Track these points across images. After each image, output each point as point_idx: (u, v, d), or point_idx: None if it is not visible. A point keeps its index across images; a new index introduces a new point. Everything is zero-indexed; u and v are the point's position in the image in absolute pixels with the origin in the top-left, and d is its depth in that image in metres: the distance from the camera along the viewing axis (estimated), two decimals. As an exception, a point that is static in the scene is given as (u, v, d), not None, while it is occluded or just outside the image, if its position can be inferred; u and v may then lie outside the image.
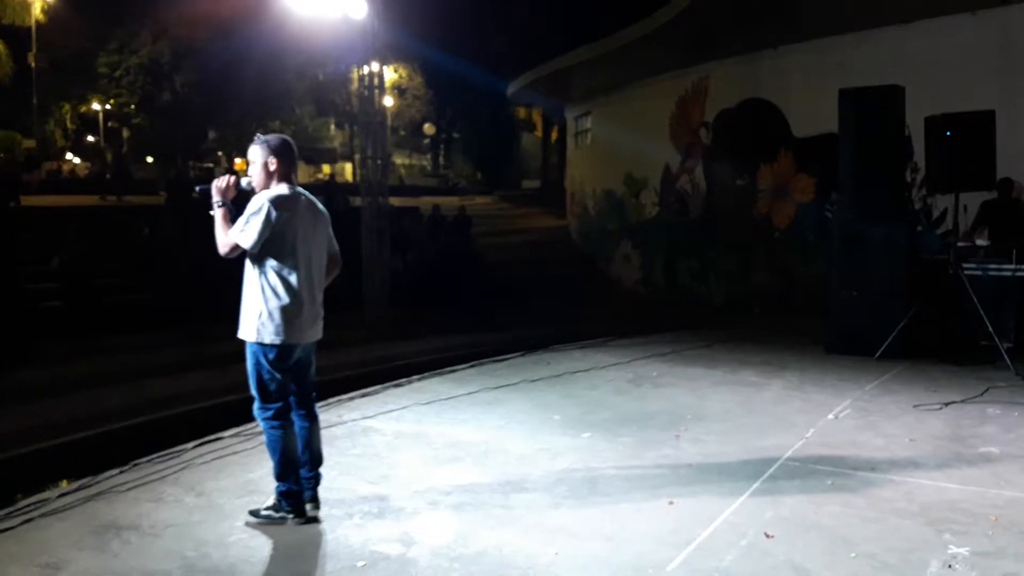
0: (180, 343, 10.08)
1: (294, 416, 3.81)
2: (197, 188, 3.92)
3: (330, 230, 3.93)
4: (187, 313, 11.10)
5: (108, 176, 27.33)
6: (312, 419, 3.91)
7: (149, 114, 38.42)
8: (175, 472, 4.43)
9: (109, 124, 42.44)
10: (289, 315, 3.65)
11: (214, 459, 4.67)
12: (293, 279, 3.67)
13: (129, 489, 4.15)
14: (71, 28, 35.56)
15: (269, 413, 3.70)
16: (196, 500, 4.03)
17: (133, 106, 38.88)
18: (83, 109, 41.90)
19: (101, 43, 37.24)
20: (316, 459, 3.87)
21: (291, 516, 3.70)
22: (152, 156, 41.71)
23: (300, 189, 3.80)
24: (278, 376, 3.69)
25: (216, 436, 5.07)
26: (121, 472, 4.41)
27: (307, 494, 3.79)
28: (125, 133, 41.96)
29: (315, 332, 3.82)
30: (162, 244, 13.78)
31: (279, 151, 3.73)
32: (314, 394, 3.95)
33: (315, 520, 3.75)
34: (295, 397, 3.83)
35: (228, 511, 3.87)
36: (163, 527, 3.67)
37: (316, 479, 3.85)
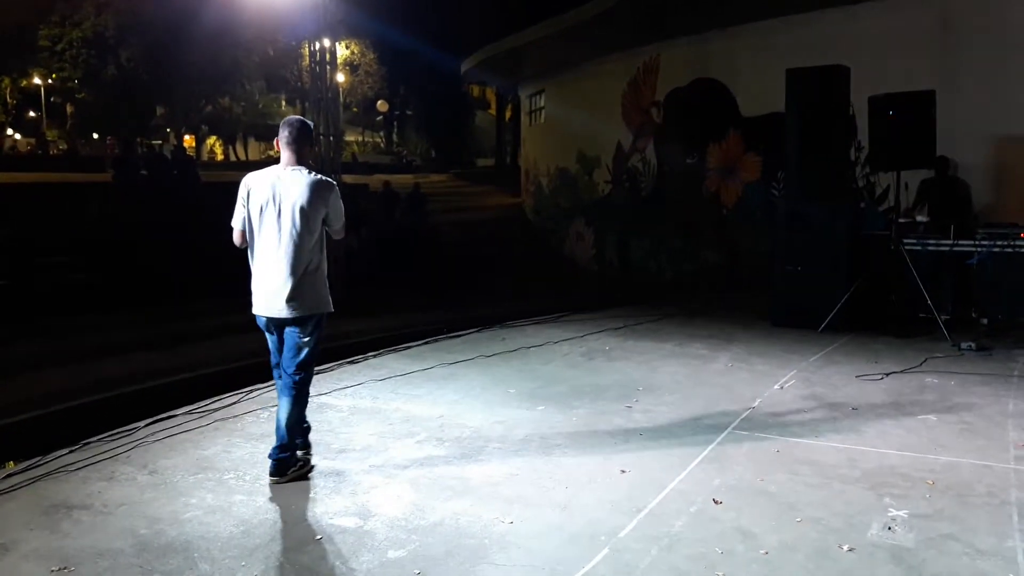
0: (129, 323, 9.91)
1: (283, 388, 4.07)
2: None
3: (308, 204, 3.85)
4: (136, 293, 10.91)
5: None
6: (283, 394, 4.02)
7: (94, 89, 37.21)
8: (127, 451, 4.38)
9: (52, 99, 41.15)
10: (253, 286, 3.95)
11: (166, 437, 4.64)
12: (254, 253, 3.94)
13: (79, 469, 4.10)
14: (9, 0, 34.22)
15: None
16: (149, 478, 4.00)
17: (76, 81, 37.62)
18: (24, 83, 40.54)
19: (42, 16, 35.92)
20: (281, 433, 3.95)
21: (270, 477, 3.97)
22: (98, 132, 40.55)
23: (280, 166, 3.94)
24: (268, 340, 4.09)
25: (168, 414, 5.03)
26: (71, 452, 4.35)
27: (273, 468, 3.93)
28: (68, 108, 40.72)
29: (279, 308, 3.86)
30: (110, 223, 13.47)
31: (279, 132, 3.97)
32: (291, 374, 3.98)
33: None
34: (283, 363, 4.06)
35: (182, 488, 3.86)
36: (115, 506, 3.64)
37: (282, 453, 3.94)
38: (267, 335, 4.06)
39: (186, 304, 10.57)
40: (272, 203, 3.83)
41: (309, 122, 4.10)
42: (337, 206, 3.97)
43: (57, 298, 10.87)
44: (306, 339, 3.95)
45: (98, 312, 10.49)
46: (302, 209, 3.83)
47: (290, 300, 3.84)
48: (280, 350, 4.03)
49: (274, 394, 5.37)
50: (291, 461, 3.97)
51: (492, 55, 20.47)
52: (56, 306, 10.58)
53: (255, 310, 3.96)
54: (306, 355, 3.98)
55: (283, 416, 3.96)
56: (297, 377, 3.97)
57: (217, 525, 3.45)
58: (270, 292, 3.86)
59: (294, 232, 3.83)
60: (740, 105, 12.43)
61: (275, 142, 4.01)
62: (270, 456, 3.94)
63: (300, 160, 3.93)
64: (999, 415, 5.02)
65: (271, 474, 3.91)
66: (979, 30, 9.44)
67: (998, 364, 6.47)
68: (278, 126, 4.04)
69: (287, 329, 3.96)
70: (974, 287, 7.91)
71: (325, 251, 4.02)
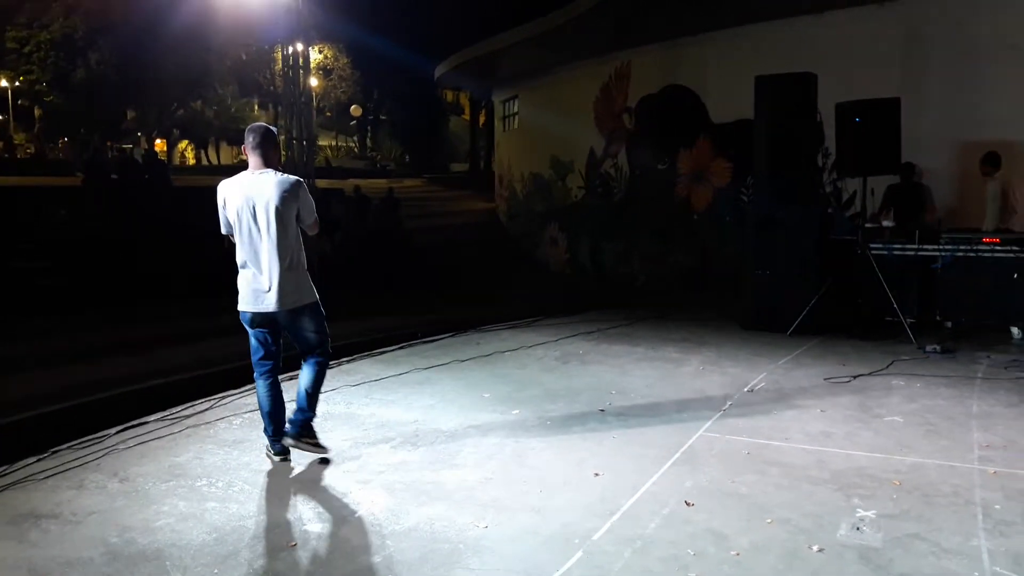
0: (99, 327, 9.77)
1: (304, 363, 4.32)
2: None
3: (280, 203, 4.03)
4: (107, 296, 10.77)
5: None
6: (306, 364, 4.30)
7: (63, 92, 36.61)
8: (97, 458, 4.34)
9: (19, 102, 40.46)
10: (239, 286, 4.14)
11: (138, 444, 4.60)
12: (237, 253, 4.11)
13: (48, 477, 4.06)
14: (-27, 1, 33.62)
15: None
16: (120, 486, 3.96)
17: (45, 83, 36.99)
18: (-10, 86, 39.86)
19: (8, 17, 35.29)
20: (300, 398, 4.23)
21: (270, 454, 4.34)
22: (67, 136, 39.92)
23: (249, 171, 4.10)
24: (251, 336, 4.23)
25: (140, 421, 4.98)
26: (39, 460, 4.30)
27: (290, 429, 4.21)
28: (36, 112, 40.06)
29: (266, 303, 4.07)
30: (81, 226, 13.28)
31: (245, 139, 4.13)
32: (309, 358, 4.30)
33: (307, 449, 4.27)
34: (300, 351, 4.31)
35: (154, 496, 3.83)
36: (85, 514, 3.61)
37: (300, 415, 4.22)
38: (251, 331, 4.22)
39: (159, 308, 10.48)
40: (247, 207, 4.02)
41: (272, 127, 4.26)
42: (307, 201, 4.15)
43: (27, 302, 10.71)
44: (308, 328, 4.21)
45: (68, 316, 10.35)
46: (276, 209, 4.02)
47: (278, 296, 4.07)
48: (263, 346, 4.24)
49: (248, 400, 5.39)
50: (309, 424, 4.24)
51: (466, 60, 20.47)
52: (26, 310, 10.43)
53: (241, 307, 4.14)
54: (317, 338, 4.27)
55: (306, 382, 4.25)
56: (320, 349, 4.29)
57: (189, 533, 3.42)
58: (257, 290, 4.08)
59: (271, 231, 4.03)
60: (710, 111, 12.55)
61: (243, 148, 4.15)
62: (290, 421, 4.22)
63: (267, 163, 4.11)
64: (963, 416, 5.12)
65: (289, 435, 4.22)
66: (944, 39, 9.62)
67: (962, 366, 6.60)
68: None
69: (290, 320, 4.16)
70: (938, 291, 8.06)
71: (303, 245, 4.22)
